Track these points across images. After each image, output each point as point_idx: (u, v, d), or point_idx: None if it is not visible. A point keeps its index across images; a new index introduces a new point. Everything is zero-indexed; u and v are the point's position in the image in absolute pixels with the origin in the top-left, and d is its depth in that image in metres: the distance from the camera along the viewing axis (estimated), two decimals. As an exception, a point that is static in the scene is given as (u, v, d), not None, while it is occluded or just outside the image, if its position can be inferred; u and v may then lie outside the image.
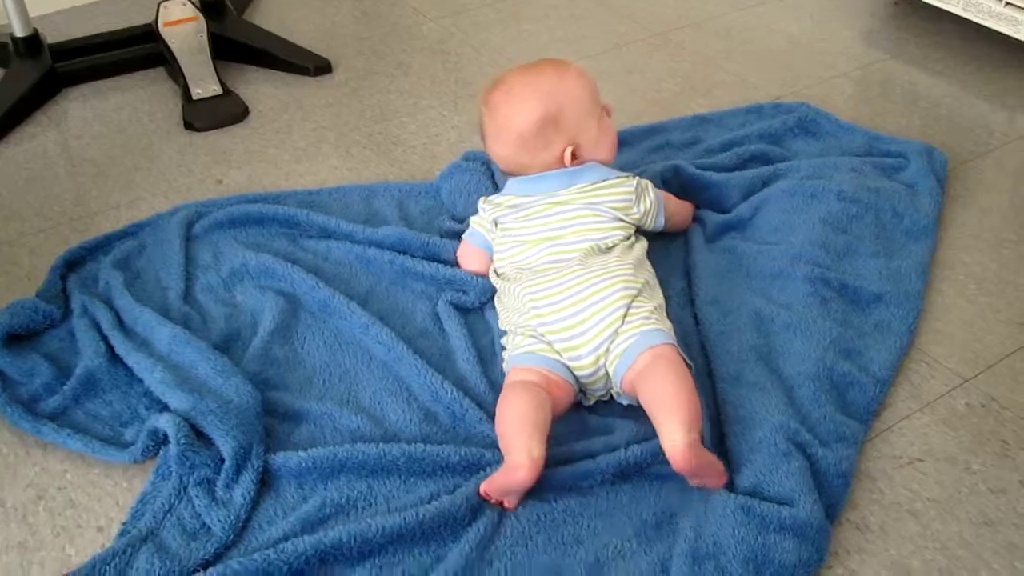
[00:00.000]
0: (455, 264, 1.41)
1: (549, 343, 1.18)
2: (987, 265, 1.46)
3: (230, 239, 1.46)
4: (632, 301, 1.18)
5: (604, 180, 1.32)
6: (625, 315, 1.17)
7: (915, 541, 1.07)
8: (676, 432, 1.04)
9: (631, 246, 1.29)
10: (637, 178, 1.34)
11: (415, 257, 1.42)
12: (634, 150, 1.64)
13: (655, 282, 1.26)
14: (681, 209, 1.44)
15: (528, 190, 1.33)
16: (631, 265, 1.23)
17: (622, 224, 1.30)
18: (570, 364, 1.17)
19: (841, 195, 1.48)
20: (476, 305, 1.36)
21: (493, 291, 1.34)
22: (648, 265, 1.28)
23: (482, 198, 1.37)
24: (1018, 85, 1.89)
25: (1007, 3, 1.85)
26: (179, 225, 1.47)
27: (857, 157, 1.61)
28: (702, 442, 1.07)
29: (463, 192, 1.52)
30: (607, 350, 1.16)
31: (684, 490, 1.09)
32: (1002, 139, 1.75)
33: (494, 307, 1.33)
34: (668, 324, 1.20)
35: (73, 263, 1.43)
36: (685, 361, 1.15)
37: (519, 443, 1.06)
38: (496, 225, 1.34)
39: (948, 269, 1.45)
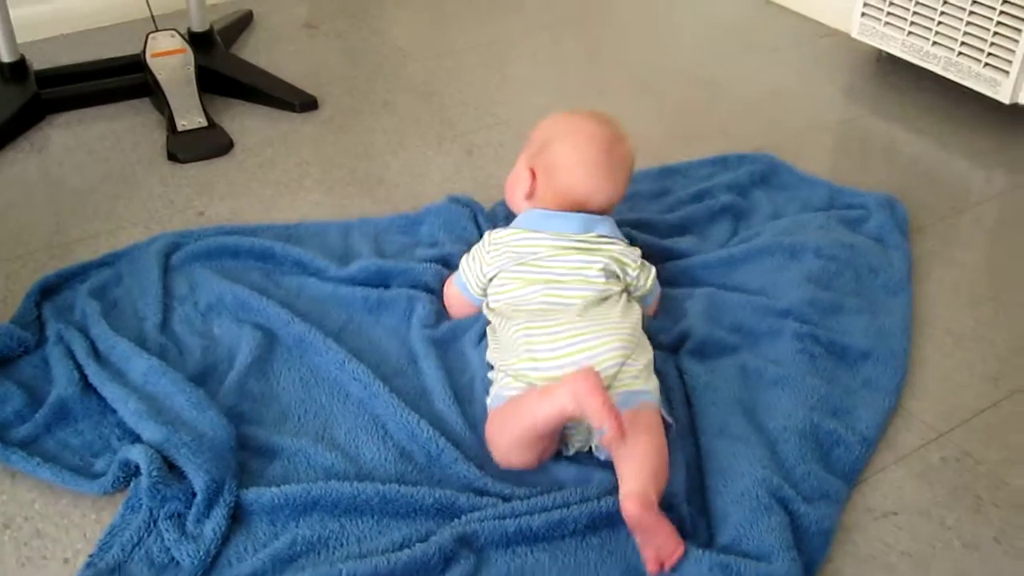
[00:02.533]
0: (431, 290, 1.42)
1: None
2: (963, 321, 1.47)
3: (207, 271, 1.45)
4: (625, 359, 1.18)
5: (615, 238, 1.34)
6: (617, 373, 1.16)
7: (888, 595, 1.07)
8: (635, 484, 1.04)
9: (629, 303, 1.29)
10: (643, 260, 1.35)
11: (388, 288, 1.42)
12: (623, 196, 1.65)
13: (646, 340, 1.26)
14: (657, 306, 1.43)
15: (544, 225, 1.33)
16: (630, 325, 1.23)
17: (619, 282, 1.30)
18: None
19: (819, 252, 1.49)
20: (451, 338, 1.35)
21: (470, 326, 1.34)
22: (641, 331, 1.27)
23: (488, 232, 1.36)
24: (996, 145, 1.92)
25: (987, 64, 1.88)
26: (157, 255, 1.46)
27: (821, 212, 1.63)
28: (659, 506, 1.06)
29: (448, 228, 1.52)
30: None
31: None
32: (980, 197, 1.77)
33: (475, 344, 1.33)
34: (655, 382, 1.20)
35: (49, 290, 1.42)
36: (665, 421, 1.15)
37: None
38: (496, 275, 1.33)
39: (926, 324, 1.46)
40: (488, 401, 1.22)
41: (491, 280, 1.33)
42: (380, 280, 1.44)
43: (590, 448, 1.19)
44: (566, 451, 1.19)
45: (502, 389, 1.19)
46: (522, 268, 1.29)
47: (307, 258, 1.47)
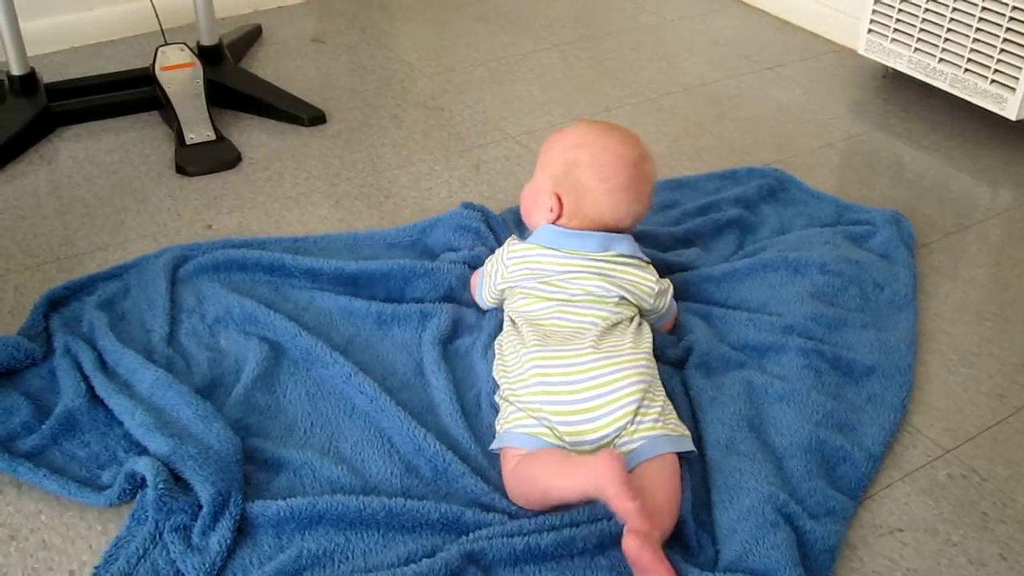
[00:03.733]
0: (451, 295, 1.43)
1: (551, 426, 1.16)
2: (969, 337, 1.47)
3: (214, 284, 1.46)
4: (644, 397, 1.17)
5: (633, 257, 1.32)
6: (637, 411, 1.15)
7: (894, 612, 1.07)
8: (640, 523, 1.02)
9: (640, 327, 1.28)
10: (660, 277, 1.34)
11: (403, 301, 1.42)
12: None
13: (658, 374, 1.24)
14: (672, 319, 1.42)
15: (561, 243, 1.31)
16: (644, 356, 1.22)
17: (631, 304, 1.29)
18: (571, 448, 1.15)
19: (824, 268, 1.49)
20: (461, 351, 1.36)
21: (479, 338, 1.35)
22: (652, 351, 1.27)
23: (508, 241, 1.36)
24: (1002, 161, 1.92)
25: (993, 81, 1.89)
26: (164, 268, 1.47)
27: (827, 228, 1.63)
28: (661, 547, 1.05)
29: (463, 231, 1.54)
30: (612, 443, 1.15)
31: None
32: (986, 213, 1.77)
33: (483, 355, 1.33)
34: (673, 418, 1.19)
35: (56, 302, 1.42)
36: (684, 455, 1.16)
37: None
38: (511, 288, 1.33)
39: (931, 340, 1.46)
40: (497, 428, 1.21)
41: (503, 292, 1.33)
42: (403, 279, 1.45)
43: None
44: None
45: (514, 427, 1.18)
46: (536, 286, 1.29)
47: (319, 263, 1.47)
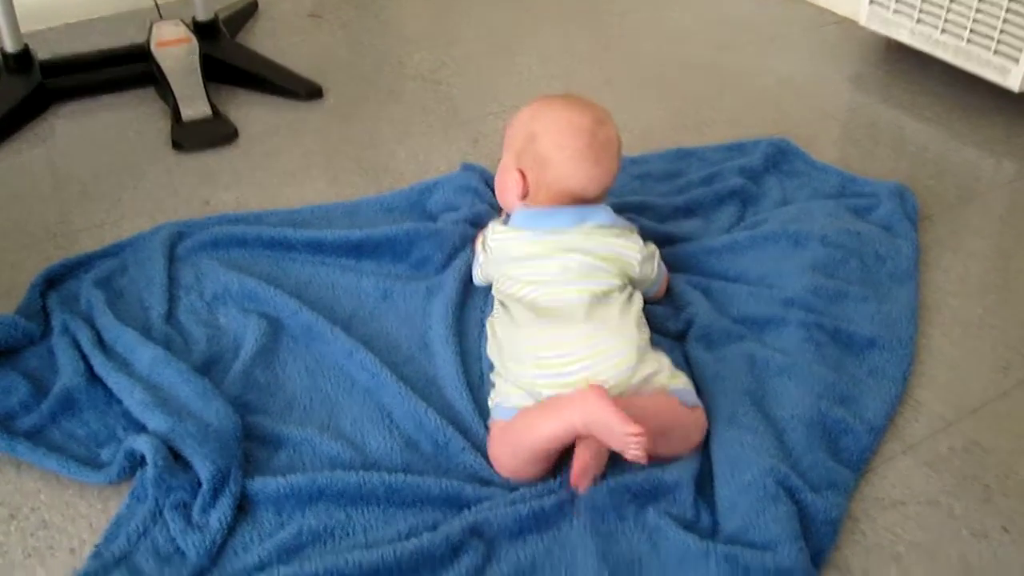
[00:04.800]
0: (455, 251, 1.45)
1: (544, 400, 1.15)
2: (972, 309, 1.46)
3: (213, 261, 1.45)
4: (639, 362, 1.16)
5: (613, 226, 1.31)
6: (632, 376, 1.15)
7: (897, 585, 1.07)
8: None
9: (629, 298, 1.26)
10: (645, 242, 1.33)
11: (402, 273, 1.43)
12: (616, 179, 1.64)
13: (649, 336, 1.24)
14: (664, 284, 1.42)
15: (536, 223, 1.31)
16: (634, 323, 1.21)
17: (619, 275, 1.28)
18: None
19: (825, 240, 1.48)
20: (471, 323, 1.36)
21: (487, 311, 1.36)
22: (644, 320, 1.26)
23: (491, 224, 1.36)
24: (1005, 132, 1.91)
25: (996, 52, 1.87)
26: (162, 245, 1.46)
27: (830, 200, 1.62)
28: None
29: (463, 192, 1.54)
30: None
31: (654, 538, 1.08)
32: (988, 185, 1.76)
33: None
34: (683, 378, 1.19)
35: (53, 281, 1.42)
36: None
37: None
38: (493, 266, 1.33)
39: (934, 312, 1.45)
40: (490, 405, 1.21)
41: (489, 274, 1.34)
42: (408, 242, 1.45)
43: None
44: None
45: (504, 399, 1.17)
46: (518, 271, 1.28)
47: (321, 235, 1.47)
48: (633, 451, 1.04)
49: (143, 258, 1.45)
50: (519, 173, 1.33)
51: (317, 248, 1.47)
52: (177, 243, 1.49)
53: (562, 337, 1.18)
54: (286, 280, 1.42)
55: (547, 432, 1.08)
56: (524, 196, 1.33)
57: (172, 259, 1.46)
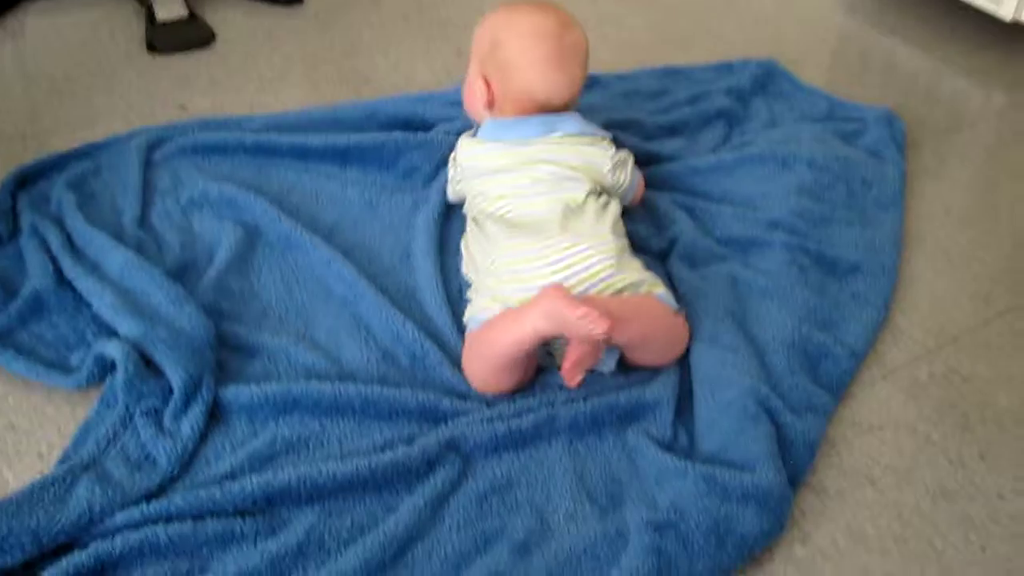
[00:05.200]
0: (443, 161, 1.41)
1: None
2: (956, 239, 1.45)
3: (191, 166, 1.41)
4: (616, 268, 1.14)
5: (582, 134, 1.28)
6: (611, 282, 1.13)
7: (871, 508, 1.07)
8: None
9: (604, 206, 1.24)
10: (617, 149, 1.30)
11: (388, 179, 1.41)
12: (602, 95, 1.62)
13: (628, 246, 1.22)
14: (640, 190, 1.39)
15: (503, 134, 1.28)
16: (608, 230, 1.19)
17: (591, 182, 1.25)
18: None
19: (812, 164, 1.46)
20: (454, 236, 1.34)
21: None
22: (622, 227, 1.25)
23: (461, 138, 1.33)
24: (997, 63, 1.88)
25: (991, -22, 1.84)
26: (138, 149, 1.42)
27: (817, 123, 1.60)
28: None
29: (458, 105, 1.48)
30: None
31: (632, 456, 1.07)
32: (978, 115, 1.74)
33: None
34: (659, 282, 1.18)
35: (25, 180, 1.37)
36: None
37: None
38: (463, 183, 1.30)
39: (918, 241, 1.44)
40: (465, 318, 1.19)
41: (460, 189, 1.31)
42: (396, 151, 1.42)
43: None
44: (552, 364, 1.17)
45: (478, 312, 1.15)
46: (489, 184, 1.26)
47: (307, 140, 1.44)
48: (591, 330, 1.02)
49: (118, 161, 1.41)
50: (484, 81, 1.30)
51: (301, 154, 1.44)
52: (155, 148, 1.44)
53: (537, 250, 1.16)
54: (268, 187, 1.39)
55: (512, 337, 1.07)
56: (490, 106, 1.30)
57: (149, 163, 1.42)
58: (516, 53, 1.27)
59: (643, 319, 1.11)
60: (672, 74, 1.72)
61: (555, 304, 1.03)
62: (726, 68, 1.75)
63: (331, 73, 1.70)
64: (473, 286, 1.21)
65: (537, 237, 1.17)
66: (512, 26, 1.29)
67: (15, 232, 1.30)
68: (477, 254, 1.22)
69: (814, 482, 1.09)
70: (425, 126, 1.50)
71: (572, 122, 1.29)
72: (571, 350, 1.08)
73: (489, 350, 1.10)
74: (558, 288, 1.06)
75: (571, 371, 1.09)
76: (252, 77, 1.68)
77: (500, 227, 1.21)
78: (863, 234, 1.39)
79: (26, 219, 1.30)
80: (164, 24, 1.75)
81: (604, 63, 1.71)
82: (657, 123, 1.56)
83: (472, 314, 1.17)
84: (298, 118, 1.51)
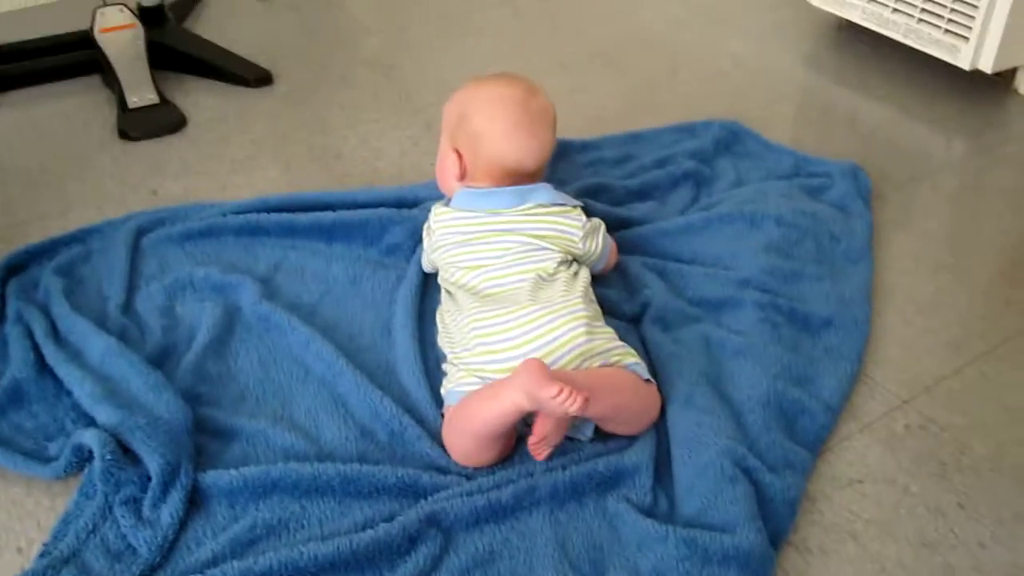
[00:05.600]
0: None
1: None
2: (925, 288, 1.47)
3: (179, 250, 1.43)
4: (588, 337, 1.15)
5: (554, 205, 1.30)
6: (583, 352, 1.14)
7: (854, 563, 1.07)
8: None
9: (575, 275, 1.26)
10: (588, 217, 1.32)
11: (371, 263, 1.42)
12: (567, 165, 1.64)
13: (599, 313, 1.23)
14: (613, 257, 1.41)
15: (476, 204, 1.29)
16: (579, 298, 1.20)
17: (562, 253, 1.27)
18: None
19: (780, 221, 1.48)
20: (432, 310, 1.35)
21: None
22: (592, 294, 1.26)
23: (434, 207, 1.34)
24: (957, 111, 1.92)
25: (947, 31, 1.88)
26: (128, 233, 1.44)
27: (784, 180, 1.62)
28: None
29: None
30: None
31: (614, 523, 1.07)
32: (940, 164, 1.77)
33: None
34: (632, 353, 1.18)
35: (15, 267, 1.39)
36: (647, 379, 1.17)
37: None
38: (436, 255, 1.31)
39: (887, 292, 1.45)
40: (443, 390, 1.19)
41: (434, 259, 1.32)
42: (381, 227, 1.45)
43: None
44: (530, 434, 1.16)
45: (456, 386, 1.16)
46: (460, 254, 1.27)
47: (294, 218, 1.47)
48: (566, 408, 1.02)
49: (107, 246, 1.43)
50: (455, 153, 1.32)
51: (288, 231, 1.46)
52: (145, 232, 1.46)
53: (507, 321, 1.16)
54: (255, 266, 1.41)
55: (492, 412, 1.07)
56: (462, 177, 1.33)
57: (137, 248, 1.43)
58: (484, 122, 1.30)
59: (614, 392, 1.12)
60: (635, 139, 1.75)
61: (531, 384, 1.02)
62: (688, 129, 1.77)
63: (302, 152, 1.72)
64: (449, 358, 1.22)
65: (507, 308, 1.18)
66: (478, 97, 1.32)
67: (1, 319, 1.30)
68: (451, 325, 1.23)
69: (796, 540, 1.09)
70: (410, 204, 1.52)
71: (543, 192, 1.30)
72: (538, 426, 1.08)
73: (470, 425, 1.10)
74: (535, 365, 1.04)
75: (538, 446, 1.09)
76: (224, 159, 1.69)
77: (471, 298, 1.22)
78: (834, 288, 1.41)
79: (12, 306, 1.31)
80: (135, 110, 1.77)
81: (576, 132, 1.73)
82: (627, 187, 1.58)
83: (450, 387, 1.17)
84: (284, 199, 1.54)
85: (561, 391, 1.01)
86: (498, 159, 1.30)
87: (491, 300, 1.21)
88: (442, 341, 1.26)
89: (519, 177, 1.31)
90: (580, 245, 1.29)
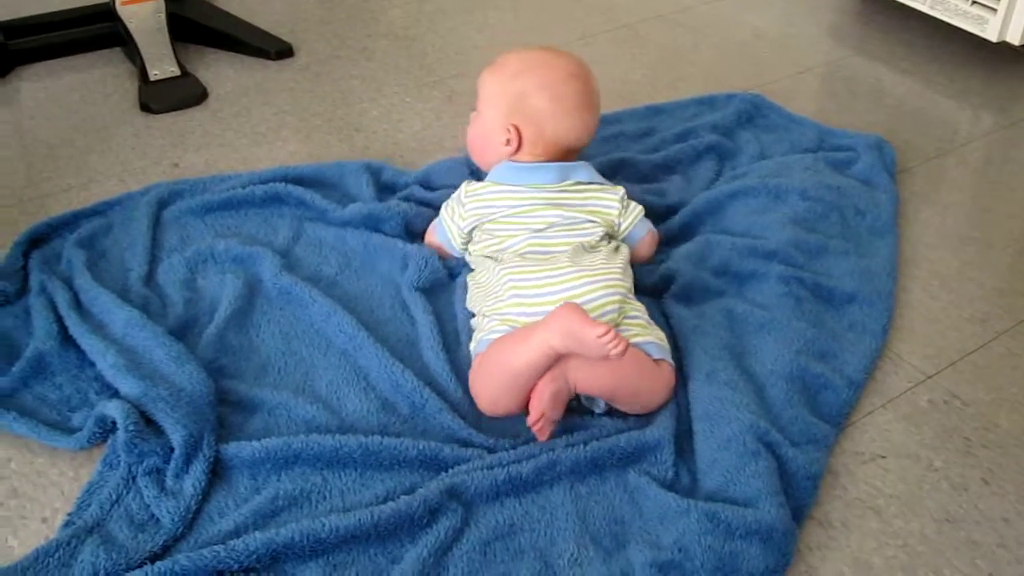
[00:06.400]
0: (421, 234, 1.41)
1: None
2: (950, 262, 1.46)
3: (199, 222, 1.43)
4: (621, 307, 1.16)
5: (592, 183, 1.31)
6: (616, 320, 1.15)
7: (877, 538, 1.07)
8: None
9: (616, 249, 1.27)
10: (623, 190, 1.33)
11: (386, 235, 1.40)
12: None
13: (632, 289, 1.23)
14: (653, 247, 1.40)
15: (519, 179, 1.30)
16: (619, 270, 1.20)
17: (602, 226, 1.28)
18: None
19: (804, 194, 1.47)
20: (445, 282, 1.34)
21: (459, 274, 1.34)
22: (630, 271, 1.26)
23: (464, 184, 1.33)
24: (983, 84, 1.90)
25: (974, 2, 1.85)
26: (148, 206, 1.44)
27: (809, 153, 1.61)
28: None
29: (442, 171, 1.51)
30: None
31: (635, 497, 1.07)
32: (966, 137, 1.75)
33: (460, 290, 1.31)
34: (659, 333, 1.18)
35: (38, 240, 1.39)
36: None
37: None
38: (475, 228, 1.30)
39: (912, 266, 1.44)
40: (472, 347, 1.20)
41: (471, 232, 1.31)
42: (373, 224, 1.42)
43: (579, 400, 1.18)
44: None
45: (487, 334, 1.16)
46: (500, 225, 1.27)
47: (308, 198, 1.46)
48: (610, 350, 1.04)
49: (128, 219, 1.43)
50: (515, 129, 1.31)
51: (306, 205, 1.46)
52: (166, 204, 1.46)
53: (544, 277, 1.17)
54: (274, 239, 1.41)
55: (525, 355, 1.08)
56: (516, 153, 1.32)
57: (158, 221, 1.43)
58: (550, 100, 1.31)
59: (615, 366, 1.11)
60: (656, 112, 1.74)
61: (572, 322, 1.04)
62: (708, 101, 1.76)
63: (322, 124, 1.72)
64: (479, 311, 1.22)
65: (546, 267, 1.19)
66: (538, 73, 1.32)
67: (24, 291, 1.30)
68: (485, 282, 1.24)
69: (818, 515, 1.09)
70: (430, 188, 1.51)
71: (583, 170, 1.32)
72: (534, 400, 1.09)
73: (499, 368, 1.11)
74: (574, 307, 1.07)
75: (539, 424, 1.09)
76: (245, 132, 1.69)
77: (512, 256, 1.23)
78: (858, 263, 1.39)
79: (35, 278, 1.31)
80: (157, 83, 1.77)
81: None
82: (651, 162, 1.57)
83: (480, 336, 1.18)
84: (304, 170, 1.53)
85: (609, 331, 1.03)
86: (562, 136, 1.31)
87: (531, 259, 1.22)
88: (473, 300, 1.26)
89: (567, 153, 1.33)
90: (618, 220, 1.30)
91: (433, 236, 1.38)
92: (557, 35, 2.02)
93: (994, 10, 1.82)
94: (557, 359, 1.09)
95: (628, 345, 1.04)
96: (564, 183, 1.29)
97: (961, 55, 1.97)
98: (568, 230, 1.25)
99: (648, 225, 1.36)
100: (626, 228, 1.32)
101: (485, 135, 1.35)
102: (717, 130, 1.66)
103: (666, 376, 1.16)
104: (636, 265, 1.33)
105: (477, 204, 1.30)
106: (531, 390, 1.12)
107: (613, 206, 1.30)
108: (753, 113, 1.72)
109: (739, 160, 1.61)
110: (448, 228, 1.34)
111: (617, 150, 1.59)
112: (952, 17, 1.90)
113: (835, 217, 1.46)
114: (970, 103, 1.85)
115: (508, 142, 1.32)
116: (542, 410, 1.08)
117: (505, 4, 2.15)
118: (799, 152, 1.62)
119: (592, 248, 1.24)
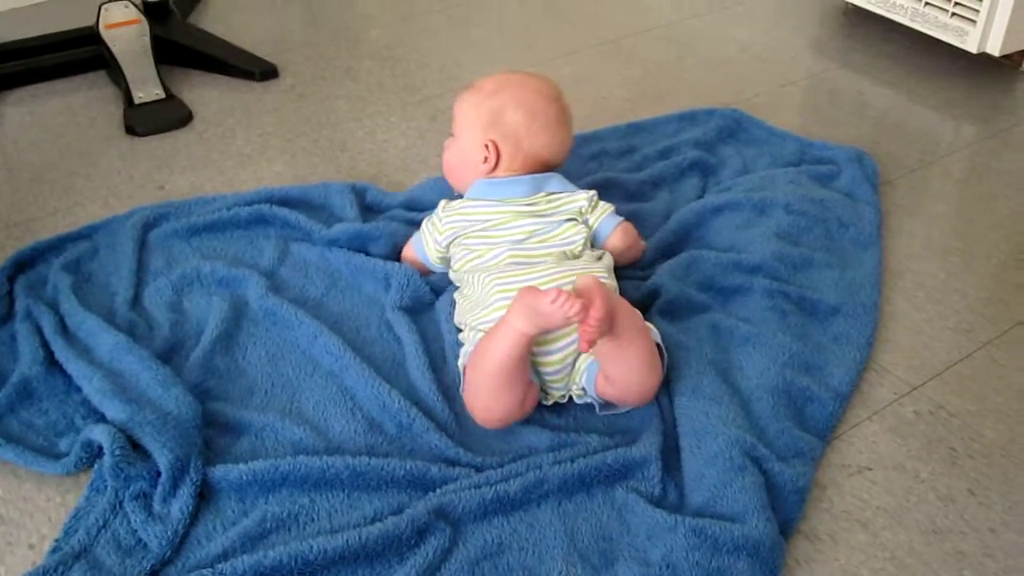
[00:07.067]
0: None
1: None
2: (934, 273, 1.46)
3: (185, 245, 1.44)
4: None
5: (564, 192, 1.34)
6: None
7: (865, 550, 1.07)
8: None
9: (599, 258, 1.28)
10: (595, 192, 1.34)
11: (370, 255, 1.40)
12: (572, 158, 1.61)
13: (616, 289, 1.24)
14: (636, 247, 1.40)
15: (496, 194, 1.32)
16: (603, 270, 1.22)
17: (578, 224, 1.29)
18: (535, 359, 1.15)
19: (788, 208, 1.48)
20: (429, 300, 1.34)
21: (443, 293, 1.34)
22: (614, 279, 1.26)
23: (443, 202, 1.35)
24: (964, 95, 1.91)
25: (953, 14, 1.87)
26: (134, 229, 1.44)
27: (792, 167, 1.62)
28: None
29: (426, 190, 1.52)
30: (576, 348, 1.15)
31: (623, 514, 1.07)
32: (948, 148, 1.76)
33: (446, 311, 1.31)
34: (649, 325, 1.20)
35: (23, 264, 1.39)
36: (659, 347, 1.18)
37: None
38: (452, 242, 1.31)
39: (897, 277, 1.45)
40: (460, 363, 1.21)
41: (449, 247, 1.32)
42: (360, 244, 1.42)
43: (569, 397, 1.19)
44: (544, 400, 1.19)
45: (471, 346, 1.17)
46: (479, 237, 1.28)
47: (293, 219, 1.46)
48: (567, 311, 1.03)
49: (113, 242, 1.43)
50: (493, 145, 1.34)
51: (292, 226, 1.46)
52: (152, 227, 1.46)
53: (530, 279, 1.18)
54: (260, 260, 1.41)
55: (499, 347, 1.09)
56: (494, 170, 1.34)
57: (144, 244, 1.44)
58: (527, 117, 1.34)
59: (638, 332, 1.12)
60: (636, 130, 1.74)
61: (528, 299, 1.06)
62: (689, 117, 1.77)
63: (307, 144, 1.72)
64: (467, 325, 1.22)
65: (531, 270, 1.20)
66: (514, 92, 1.36)
67: (10, 316, 1.30)
68: (471, 295, 1.24)
69: (806, 528, 1.09)
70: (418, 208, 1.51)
71: (555, 182, 1.35)
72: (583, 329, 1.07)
73: (483, 372, 1.11)
74: (529, 287, 1.09)
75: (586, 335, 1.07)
76: (230, 153, 1.69)
77: (497, 267, 1.24)
78: (843, 275, 1.40)
79: (21, 303, 1.31)
80: (142, 105, 1.77)
81: (583, 121, 1.70)
82: (636, 180, 1.58)
83: (467, 350, 1.19)
84: (290, 191, 1.54)
85: (559, 294, 1.03)
86: (539, 151, 1.35)
87: (517, 267, 1.23)
88: (461, 315, 1.26)
89: (543, 169, 1.37)
90: (590, 216, 1.32)
91: (410, 250, 1.39)
92: (542, 52, 2.03)
93: (973, 22, 1.84)
94: (531, 344, 1.09)
95: (582, 305, 1.03)
96: (537, 195, 1.32)
97: (942, 67, 1.98)
98: (548, 240, 1.27)
99: (620, 219, 1.37)
100: (595, 222, 1.33)
101: (462, 157, 1.37)
102: (699, 146, 1.66)
103: (659, 365, 1.17)
104: (620, 271, 1.34)
105: (454, 218, 1.31)
106: (520, 387, 1.12)
107: (583, 204, 1.32)
108: (734, 128, 1.73)
109: (722, 175, 1.62)
110: (425, 241, 1.35)
111: (601, 169, 1.60)
112: (933, 29, 1.92)
113: (819, 230, 1.47)
114: (952, 114, 1.86)
115: (486, 159, 1.34)
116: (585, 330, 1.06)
117: (489, 21, 2.16)
118: (781, 165, 1.63)
119: (575, 255, 1.26)
